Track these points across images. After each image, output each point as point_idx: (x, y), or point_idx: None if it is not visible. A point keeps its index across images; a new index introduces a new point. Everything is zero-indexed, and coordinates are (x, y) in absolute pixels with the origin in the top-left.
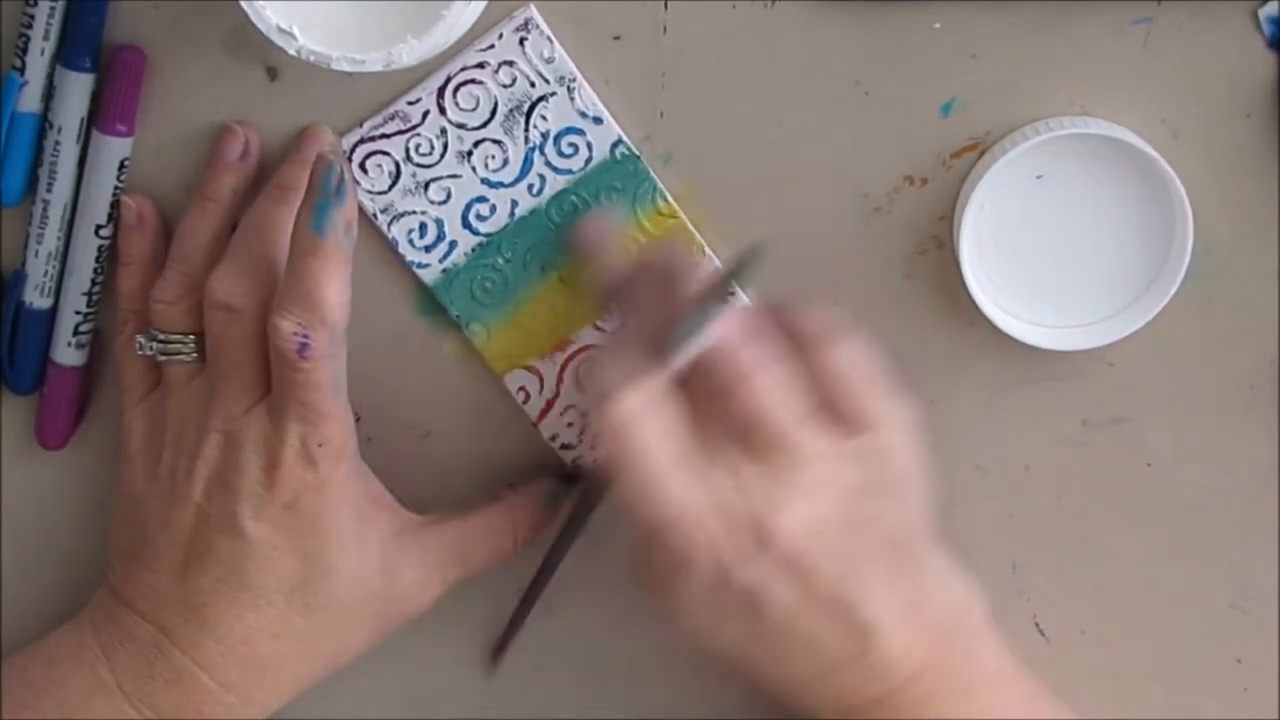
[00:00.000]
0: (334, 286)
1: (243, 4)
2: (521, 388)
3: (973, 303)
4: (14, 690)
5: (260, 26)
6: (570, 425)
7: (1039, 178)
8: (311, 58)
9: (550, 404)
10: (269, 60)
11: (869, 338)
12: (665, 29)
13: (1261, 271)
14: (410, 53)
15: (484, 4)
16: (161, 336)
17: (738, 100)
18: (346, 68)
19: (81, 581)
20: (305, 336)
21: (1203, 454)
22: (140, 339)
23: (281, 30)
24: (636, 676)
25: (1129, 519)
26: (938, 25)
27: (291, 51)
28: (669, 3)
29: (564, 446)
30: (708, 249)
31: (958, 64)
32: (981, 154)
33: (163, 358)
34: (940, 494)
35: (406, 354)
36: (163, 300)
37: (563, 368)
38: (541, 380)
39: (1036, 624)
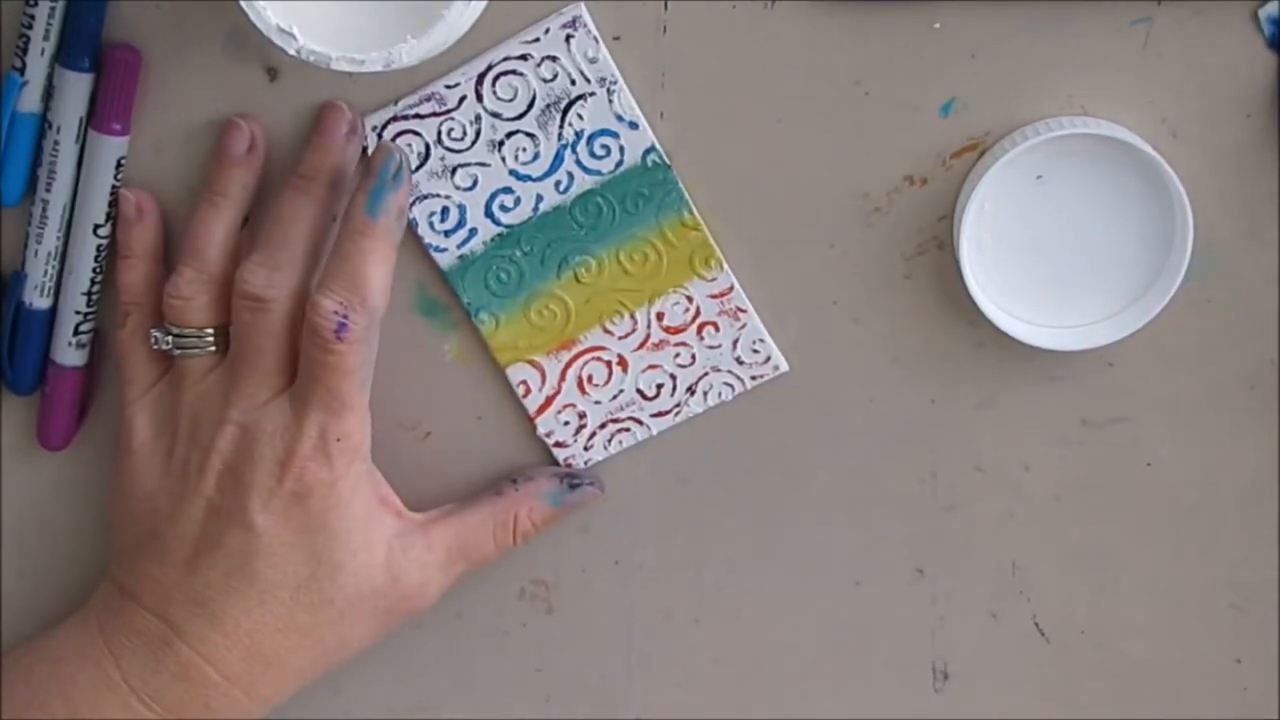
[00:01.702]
0: (379, 269)
1: (242, 4)
2: (523, 381)
3: (973, 303)
4: (18, 689)
5: (260, 26)
6: (566, 424)
7: (1039, 178)
8: (311, 58)
9: (549, 400)
10: (269, 60)
11: (869, 338)
12: (665, 29)
13: (1261, 271)
14: (410, 53)
15: (484, 4)
16: (176, 330)
17: (738, 100)
18: (346, 68)
19: (82, 581)
20: (345, 316)
21: (1203, 454)
22: (155, 333)
23: (281, 30)
24: (636, 676)
25: (1129, 519)
26: (938, 25)
27: (291, 51)
28: (669, 3)
29: (558, 444)
30: (725, 264)
31: (958, 64)
32: (981, 154)
33: (178, 352)
34: (941, 494)
35: (406, 354)
36: (178, 297)
37: (566, 366)
38: (544, 376)
39: (1036, 624)
